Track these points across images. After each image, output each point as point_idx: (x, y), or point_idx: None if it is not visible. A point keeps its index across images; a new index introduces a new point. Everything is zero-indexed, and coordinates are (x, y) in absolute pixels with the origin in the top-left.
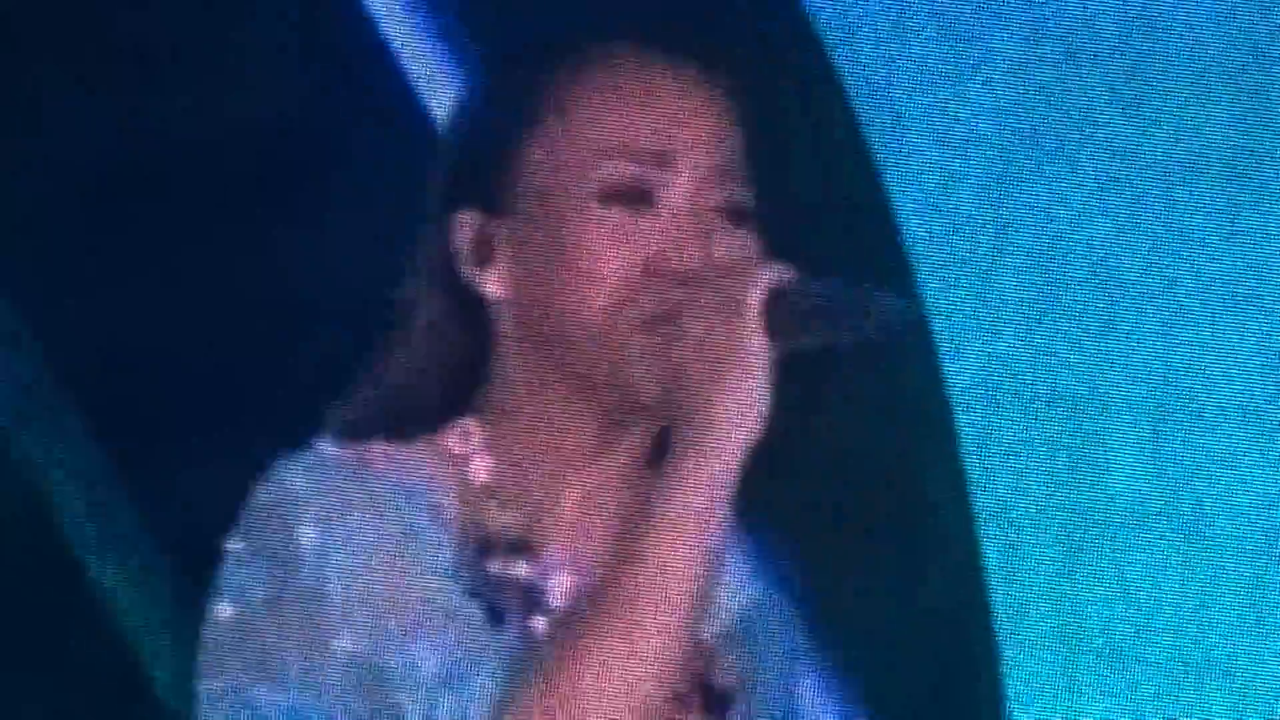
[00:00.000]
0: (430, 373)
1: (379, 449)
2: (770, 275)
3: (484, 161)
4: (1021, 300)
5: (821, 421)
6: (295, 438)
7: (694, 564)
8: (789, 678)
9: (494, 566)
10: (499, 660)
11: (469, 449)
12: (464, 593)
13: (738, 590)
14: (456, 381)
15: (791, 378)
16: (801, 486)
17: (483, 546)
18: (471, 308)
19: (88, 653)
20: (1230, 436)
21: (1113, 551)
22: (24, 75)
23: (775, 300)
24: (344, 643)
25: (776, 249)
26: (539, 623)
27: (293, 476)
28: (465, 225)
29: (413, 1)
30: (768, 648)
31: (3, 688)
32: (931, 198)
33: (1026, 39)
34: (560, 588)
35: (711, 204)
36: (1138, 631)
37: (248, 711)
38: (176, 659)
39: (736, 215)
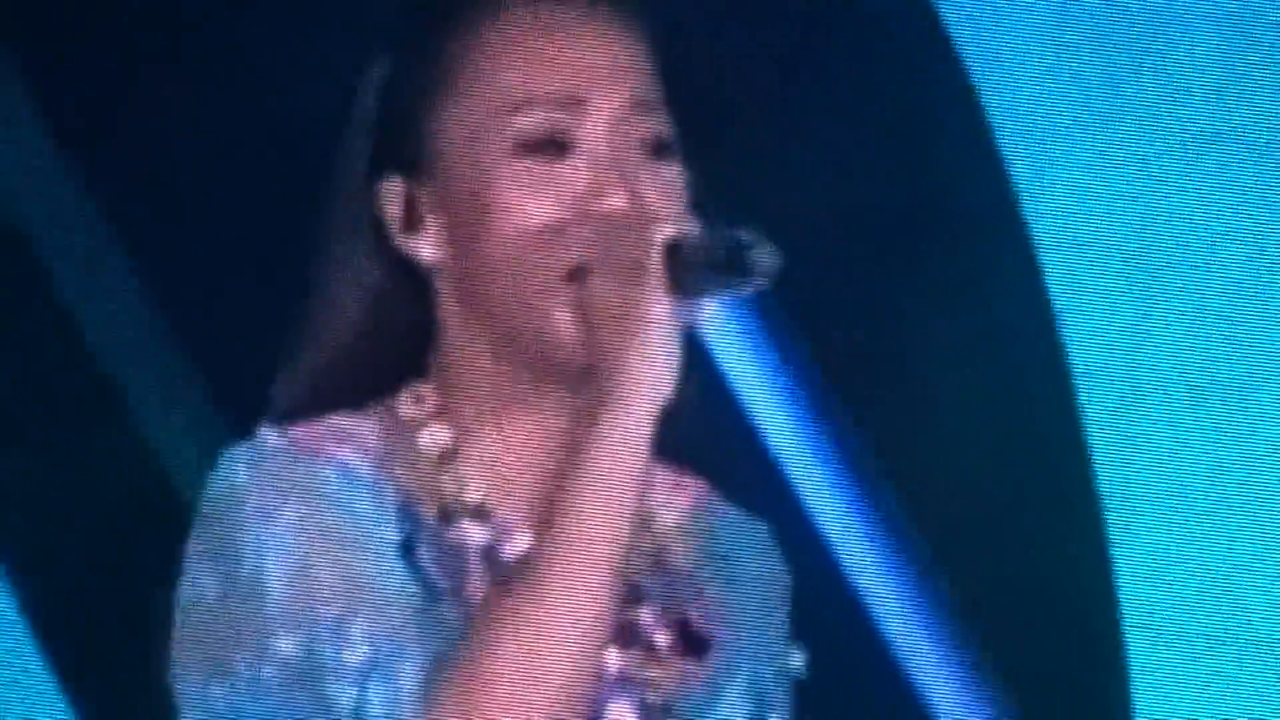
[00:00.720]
0: (373, 341)
1: (323, 427)
2: (664, 231)
3: (401, 128)
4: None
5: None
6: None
7: (612, 525)
8: (764, 622)
9: (452, 535)
10: (435, 639)
11: (422, 413)
12: (405, 573)
13: (714, 513)
14: (405, 345)
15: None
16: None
17: (441, 516)
18: (410, 273)
19: None
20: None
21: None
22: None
23: (673, 255)
24: (284, 639)
25: (704, 175)
26: (474, 595)
27: (234, 468)
28: (391, 193)
29: None
30: (746, 575)
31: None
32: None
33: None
34: (518, 548)
35: (631, 140)
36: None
37: (204, 712)
38: None
39: (659, 148)
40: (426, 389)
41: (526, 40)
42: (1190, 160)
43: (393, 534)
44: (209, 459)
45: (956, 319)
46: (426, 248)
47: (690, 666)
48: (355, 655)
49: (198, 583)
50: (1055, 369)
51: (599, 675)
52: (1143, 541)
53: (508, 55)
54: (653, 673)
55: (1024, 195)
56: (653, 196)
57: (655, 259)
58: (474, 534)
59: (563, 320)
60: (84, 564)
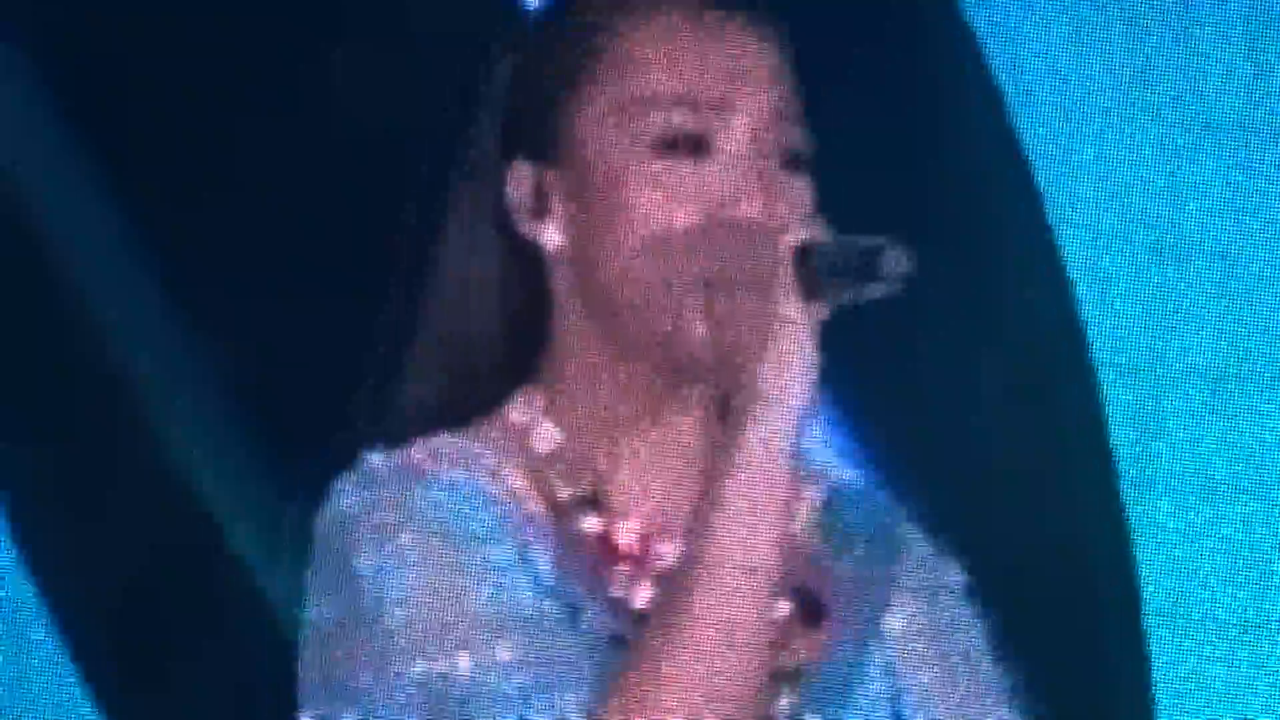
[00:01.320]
0: (487, 335)
1: (430, 447)
2: (793, 237)
3: (538, 112)
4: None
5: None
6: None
7: (762, 536)
8: (883, 568)
9: (567, 528)
10: (582, 656)
11: (532, 416)
12: (531, 586)
13: (825, 476)
14: (516, 345)
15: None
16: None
17: (554, 510)
18: (527, 263)
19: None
20: None
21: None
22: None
23: (803, 260)
24: (416, 668)
25: (830, 196)
26: (614, 615)
27: (344, 497)
28: (522, 177)
29: None
30: (858, 535)
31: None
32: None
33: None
34: (631, 533)
35: (769, 150)
36: None
37: None
38: None
39: (794, 162)
40: (536, 390)
41: (678, 38)
42: (1209, 152)
43: (508, 545)
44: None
45: (978, 314)
46: (554, 234)
47: (815, 636)
48: (511, 682)
49: (320, 613)
50: (1077, 362)
51: (762, 682)
52: (1163, 534)
53: (657, 50)
54: (781, 641)
55: (1047, 188)
56: (784, 207)
57: (786, 265)
58: (587, 524)
59: (691, 324)
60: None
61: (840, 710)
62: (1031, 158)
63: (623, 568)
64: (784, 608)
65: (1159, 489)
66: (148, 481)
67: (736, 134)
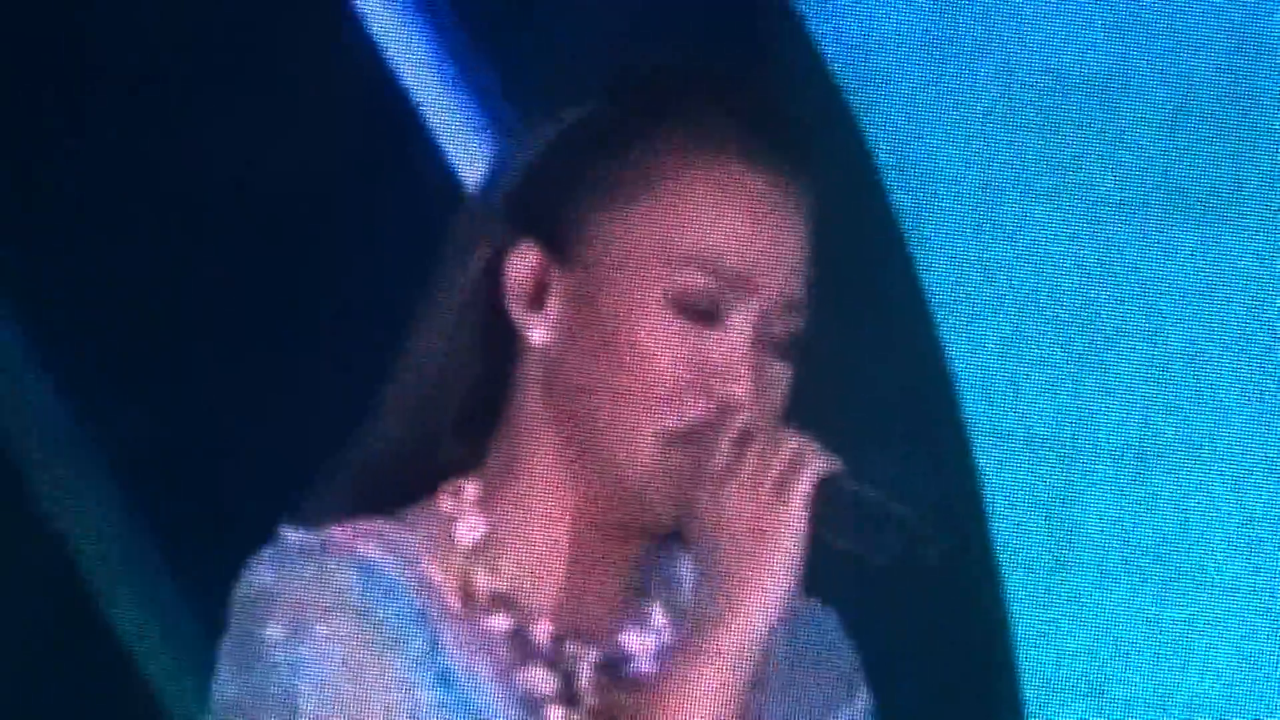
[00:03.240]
0: (438, 424)
1: (353, 524)
2: (823, 466)
3: (560, 202)
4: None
5: None
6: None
7: None
8: (839, 698)
9: (477, 625)
10: None
11: (460, 506)
12: (442, 691)
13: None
14: (460, 432)
15: None
16: None
17: (465, 603)
18: (501, 344)
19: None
20: (1211, 479)
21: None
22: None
23: (824, 491)
24: None
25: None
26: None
27: (259, 571)
28: (526, 260)
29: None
30: (811, 667)
31: None
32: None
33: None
34: (545, 633)
35: (774, 333)
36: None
37: None
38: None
39: (789, 346)
40: (467, 484)
41: (729, 198)
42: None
43: (418, 640)
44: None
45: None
46: (541, 331)
47: None
48: None
49: (228, 682)
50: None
51: None
52: (1083, 610)
53: (706, 206)
54: None
55: (958, 260)
56: (768, 393)
57: (805, 489)
58: (499, 622)
59: (655, 479)
60: None
61: None
62: (942, 230)
63: (533, 667)
64: None
65: (1077, 566)
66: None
67: (747, 313)
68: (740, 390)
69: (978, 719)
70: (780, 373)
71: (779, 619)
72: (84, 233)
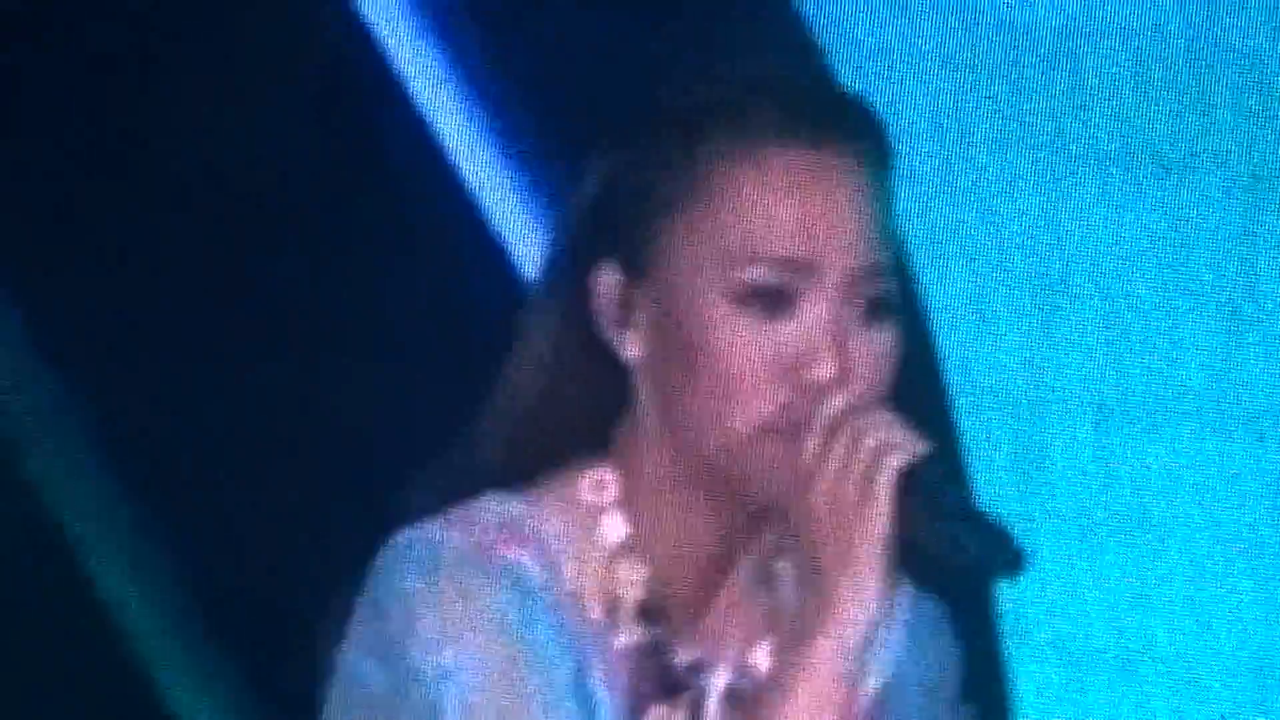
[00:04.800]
0: (562, 410)
1: (499, 519)
2: (903, 457)
3: (632, 221)
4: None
5: None
6: (415, 492)
7: None
8: (932, 698)
9: (620, 640)
10: None
11: (602, 501)
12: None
13: (892, 642)
14: (588, 421)
15: None
16: None
17: (608, 613)
18: (608, 361)
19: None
20: (1175, 436)
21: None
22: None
23: (907, 481)
24: None
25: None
26: None
27: (410, 569)
28: (609, 282)
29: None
30: (915, 662)
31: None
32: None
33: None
34: (682, 656)
35: (853, 303)
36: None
37: None
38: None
39: (878, 311)
40: (609, 476)
41: (776, 186)
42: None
43: (567, 664)
44: None
45: None
46: (635, 347)
47: None
48: None
49: (367, 677)
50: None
51: None
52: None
53: (755, 199)
54: None
55: (928, 219)
56: (863, 363)
57: (887, 490)
58: (641, 634)
59: (758, 471)
60: None
61: None
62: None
63: (663, 687)
64: None
65: (1041, 524)
66: None
67: (819, 294)
68: (823, 374)
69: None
70: (878, 341)
71: (876, 619)
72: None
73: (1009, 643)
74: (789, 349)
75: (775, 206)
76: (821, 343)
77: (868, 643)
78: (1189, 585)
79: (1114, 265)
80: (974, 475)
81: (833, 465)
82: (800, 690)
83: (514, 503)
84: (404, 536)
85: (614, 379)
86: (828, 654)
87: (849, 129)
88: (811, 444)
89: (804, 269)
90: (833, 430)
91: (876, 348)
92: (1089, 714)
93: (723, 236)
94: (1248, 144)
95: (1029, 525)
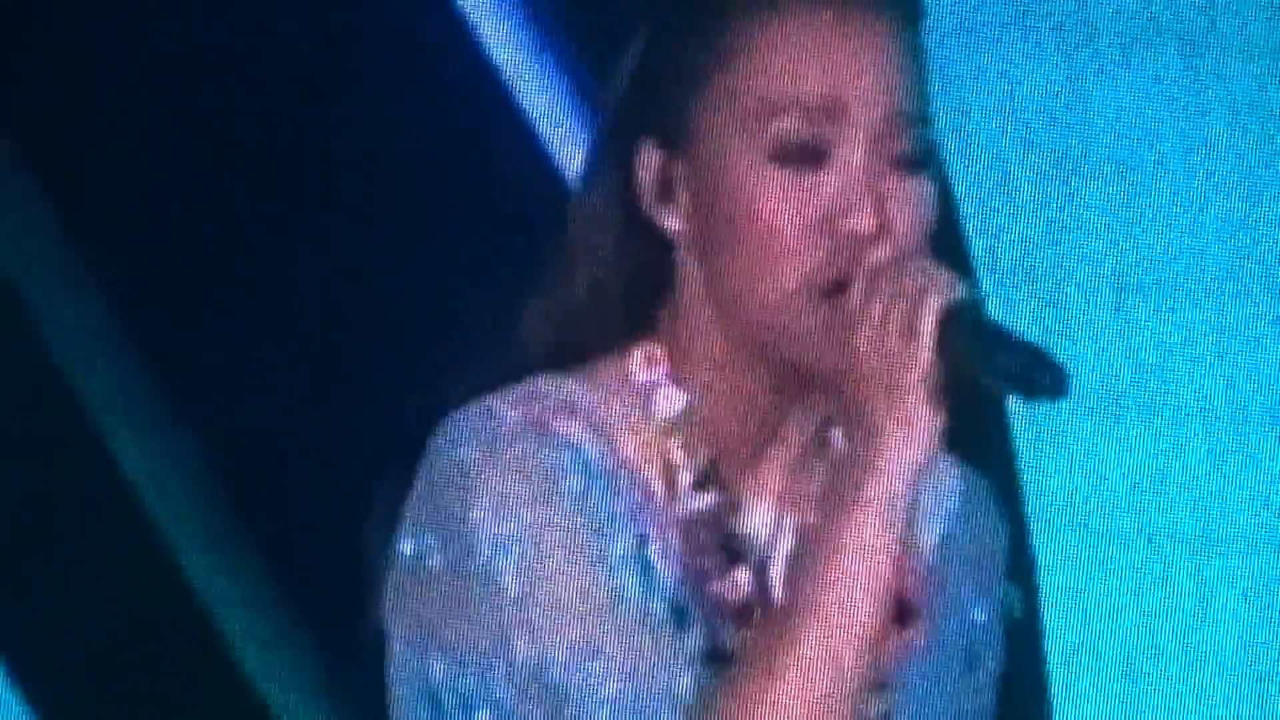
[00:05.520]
0: (610, 291)
1: (553, 396)
2: (946, 297)
3: (666, 97)
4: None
5: None
6: (466, 378)
7: (874, 590)
8: (980, 577)
9: (681, 509)
10: (683, 676)
11: (654, 377)
12: (644, 586)
13: (943, 510)
14: (637, 302)
15: None
16: None
17: (668, 484)
18: (654, 237)
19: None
20: (1195, 311)
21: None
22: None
23: (947, 322)
24: (520, 645)
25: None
26: (716, 620)
27: (467, 444)
28: (649, 159)
29: None
30: (963, 538)
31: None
32: None
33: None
34: (744, 523)
35: (887, 152)
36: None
37: (419, 679)
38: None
39: (914, 162)
40: (660, 351)
41: (799, 41)
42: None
43: (628, 533)
44: None
45: None
46: (676, 220)
47: (906, 638)
48: (606, 689)
49: (422, 551)
50: None
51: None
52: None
53: (778, 55)
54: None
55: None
56: (900, 214)
57: (930, 326)
58: (703, 503)
59: (807, 335)
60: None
61: (927, 709)
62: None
63: (726, 558)
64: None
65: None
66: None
67: (851, 141)
68: (861, 224)
69: None
70: (915, 190)
71: (925, 463)
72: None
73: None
74: (826, 201)
75: (803, 61)
76: (858, 193)
77: (917, 493)
78: (1211, 460)
79: (1135, 142)
80: None
81: (875, 312)
82: (848, 539)
83: (567, 382)
84: (460, 413)
85: (660, 260)
86: (877, 499)
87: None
88: (854, 294)
89: (835, 117)
90: (874, 279)
91: (914, 197)
92: (1109, 590)
93: (752, 96)
94: (1270, 18)
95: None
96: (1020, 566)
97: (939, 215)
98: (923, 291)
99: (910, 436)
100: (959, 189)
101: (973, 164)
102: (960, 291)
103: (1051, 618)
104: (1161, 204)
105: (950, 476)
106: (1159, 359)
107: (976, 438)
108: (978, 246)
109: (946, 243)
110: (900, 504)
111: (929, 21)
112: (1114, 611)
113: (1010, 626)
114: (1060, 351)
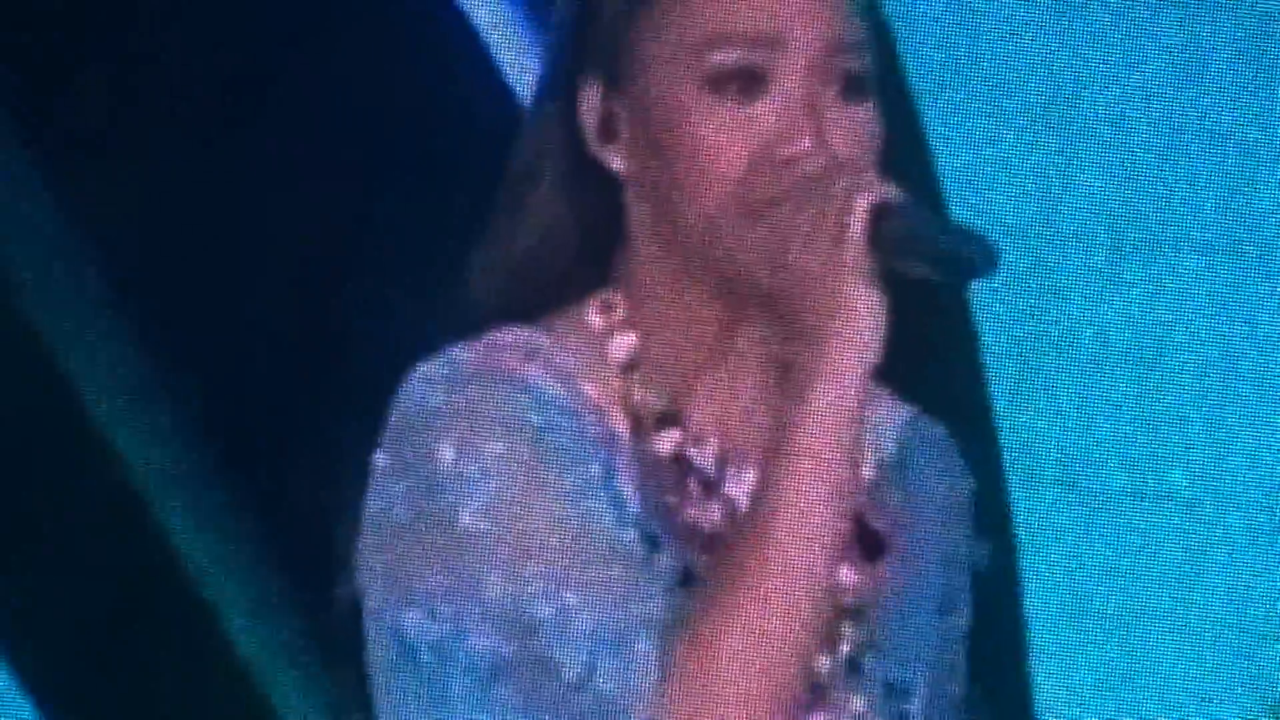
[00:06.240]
0: (562, 242)
1: (511, 341)
2: (874, 195)
3: (605, 36)
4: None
5: None
6: (424, 334)
7: (829, 502)
8: (947, 523)
9: (647, 445)
10: (657, 597)
11: (611, 323)
12: (614, 516)
13: (897, 422)
14: (590, 251)
15: None
16: None
17: (633, 424)
18: (601, 179)
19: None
20: (1187, 265)
21: None
22: None
23: (880, 219)
24: (492, 582)
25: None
26: (687, 546)
27: (429, 388)
28: (591, 99)
29: None
30: (927, 482)
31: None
32: None
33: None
34: (710, 455)
35: (826, 80)
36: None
37: (392, 635)
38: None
39: (853, 88)
40: (615, 297)
41: None
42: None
43: (594, 465)
44: None
45: None
46: (620, 159)
47: (873, 570)
48: (581, 621)
49: (391, 502)
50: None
51: (827, 624)
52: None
53: None
54: (842, 577)
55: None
56: (843, 139)
57: (858, 224)
58: (666, 440)
59: (746, 255)
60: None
61: (902, 646)
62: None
63: (696, 490)
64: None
65: (1053, 357)
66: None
67: (790, 70)
68: (799, 147)
69: None
70: (857, 116)
71: (871, 362)
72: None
73: (1017, 478)
74: (766, 128)
75: None
76: (798, 118)
77: (865, 404)
78: (1201, 416)
79: (1125, 95)
80: (985, 308)
81: (806, 219)
82: (802, 444)
83: (526, 331)
84: (421, 363)
85: (611, 204)
86: (825, 401)
87: None
88: (788, 208)
89: (773, 44)
90: (805, 190)
91: (855, 123)
92: (1097, 548)
93: (689, 26)
94: None
95: (1041, 358)
96: (995, 523)
97: (885, 140)
98: (849, 192)
99: (852, 335)
100: (949, 144)
101: (964, 118)
102: (887, 190)
103: (1036, 577)
104: (1157, 165)
105: (910, 424)
106: (1152, 313)
107: (953, 392)
108: (967, 205)
109: (913, 165)
110: (854, 406)
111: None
112: (1102, 572)
113: (985, 584)
114: (1052, 309)
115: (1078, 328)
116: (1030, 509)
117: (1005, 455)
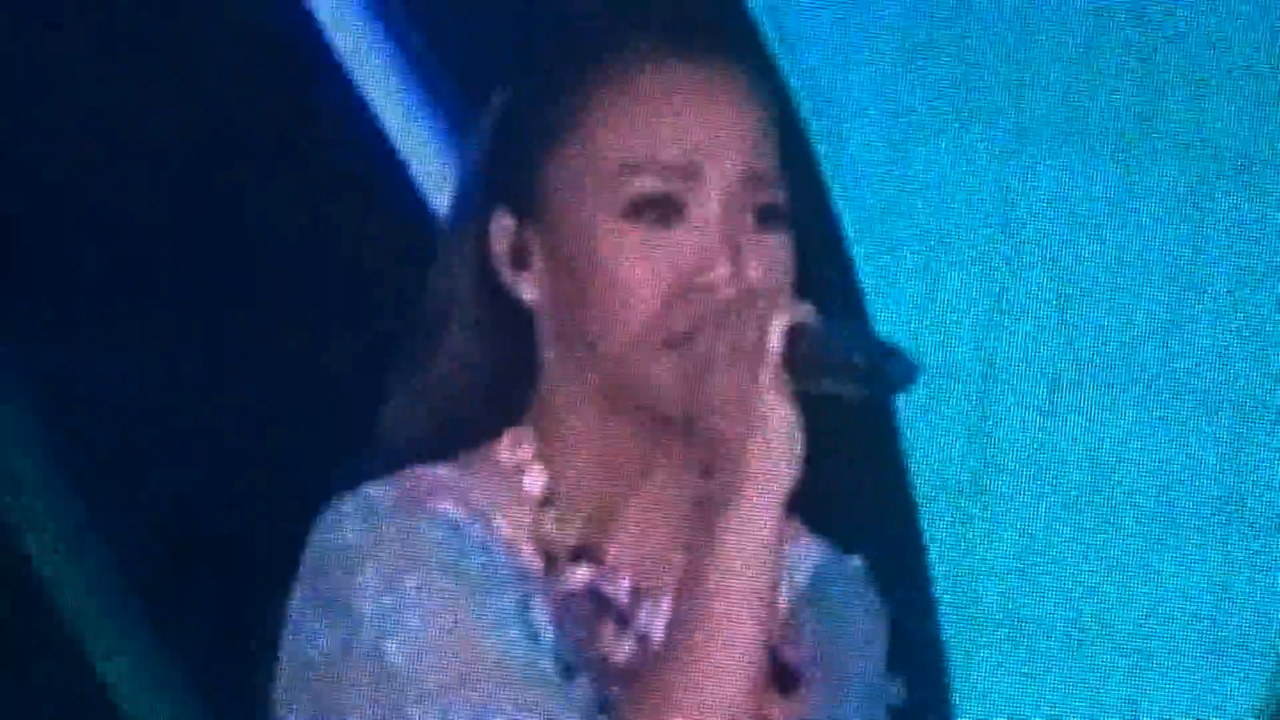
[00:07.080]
0: (476, 378)
1: (425, 480)
2: (788, 316)
3: (515, 165)
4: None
5: None
6: (343, 476)
7: (752, 615)
8: (864, 657)
9: (561, 582)
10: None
11: (521, 459)
12: (529, 644)
13: (813, 555)
14: (504, 388)
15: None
16: None
17: (546, 560)
18: (513, 311)
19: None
20: (1126, 411)
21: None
22: None
23: (794, 340)
24: (415, 715)
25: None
26: (601, 678)
27: (345, 525)
28: (503, 228)
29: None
30: (840, 612)
31: None
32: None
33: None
34: (623, 590)
35: (742, 210)
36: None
37: None
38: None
39: (769, 218)
40: (526, 433)
41: (651, 102)
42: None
43: (508, 596)
44: None
45: None
46: (531, 289)
47: (788, 703)
48: None
49: (312, 639)
50: None
51: None
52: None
53: (630, 115)
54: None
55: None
56: (758, 267)
57: (774, 346)
58: (578, 576)
59: (665, 383)
60: None
61: None
62: (862, 166)
63: (609, 623)
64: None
65: (993, 494)
66: None
67: (706, 200)
68: (716, 275)
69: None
70: (771, 244)
71: (786, 487)
72: None
73: (957, 618)
74: (684, 256)
75: (654, 118)
76: (715, 246)
77: (781, 529)
78: (1141, 561)
79: (1065, 240)
80: (926, 448)
81: (723, 349)
82: (715, 582)
83: (440, 469)
84: (337, 500)
85: (524, 337)
86: (743, 532)
87: (725, 43)
88: (705, 336)
89: (689, 174)
90: (721, 318)
91: (769, 250)
92: (1039, 691)
93: (604, 156)
94: (1197, 117)
95: (981, 499)
96: (924, 657)
97: (808, 260)
98: (764, 315)
99: (772, 461)
100: (887, 286)
101: (901, 260)
102: (802, 311)
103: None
104: (1093, 301)
105: (824, 559)
106: (1090, 457)
107: (877, 518)
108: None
109: (837, 280)
110: (771, 528)
111: (857, 123)
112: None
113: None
114: (991, 451)
115: (1017, 471)
116: (970, 649)
117: (937, 585)
